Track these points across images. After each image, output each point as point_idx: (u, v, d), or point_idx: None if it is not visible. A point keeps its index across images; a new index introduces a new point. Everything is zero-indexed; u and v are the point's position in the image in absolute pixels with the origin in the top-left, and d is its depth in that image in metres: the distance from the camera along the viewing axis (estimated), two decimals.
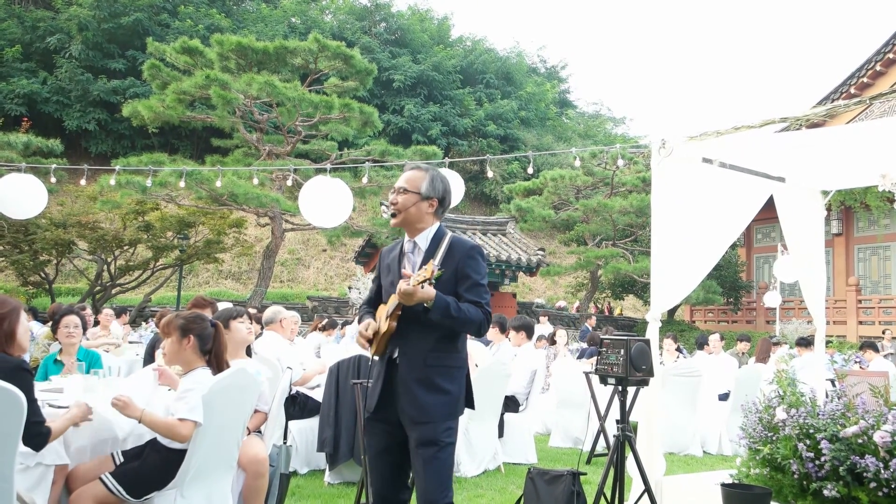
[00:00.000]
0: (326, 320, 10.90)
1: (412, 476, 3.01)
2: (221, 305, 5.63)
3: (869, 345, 10.20)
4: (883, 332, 16.06)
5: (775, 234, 22.38)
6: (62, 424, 3.26)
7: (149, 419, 3.36)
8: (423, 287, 2.79)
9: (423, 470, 2.87)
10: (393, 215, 3.10)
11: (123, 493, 3.27)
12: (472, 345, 6.44)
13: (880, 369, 8.81)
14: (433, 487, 2.85)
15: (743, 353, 11.03)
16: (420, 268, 2.95)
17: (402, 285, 2.81)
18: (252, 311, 8.62)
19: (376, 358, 3.06)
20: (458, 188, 8.17)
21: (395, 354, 2.99)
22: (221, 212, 17.98)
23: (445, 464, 2.90)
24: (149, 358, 6.59)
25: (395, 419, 2.97)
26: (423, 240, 3.08)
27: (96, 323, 9.92)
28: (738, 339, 11.50)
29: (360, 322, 3.14)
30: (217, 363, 3.57)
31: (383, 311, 3.02)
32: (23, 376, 3.03)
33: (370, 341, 3.02)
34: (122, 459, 3.46)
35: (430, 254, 3.01)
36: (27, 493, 3.17)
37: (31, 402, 2.97)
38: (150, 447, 3.46)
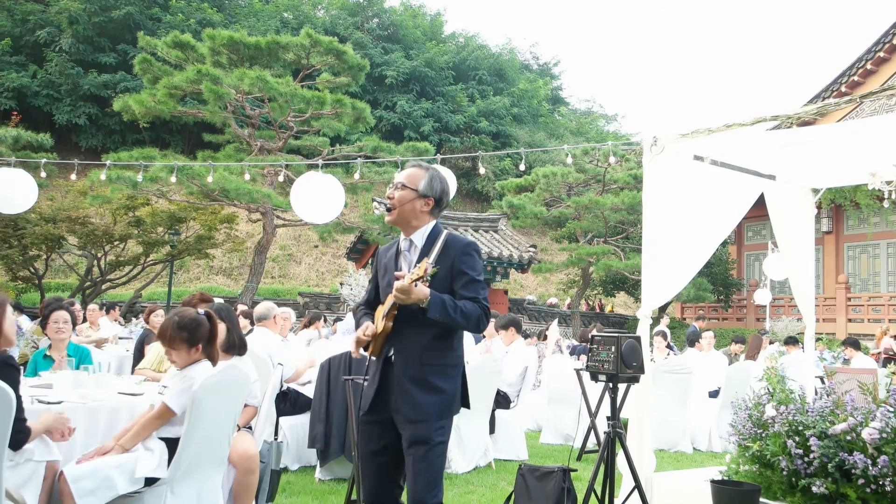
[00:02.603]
0: (311, 314, 10.82)
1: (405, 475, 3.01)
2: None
3: (851, 342, 10.26)
4: (885, 331, 16.07)
5: (766, 231, 22.46)
6: (38, 429, 3.22)
7: (130, 438, 3.33)
8: (416, 285, 2.78)
9: (413, 469, 2.86)
10: (388, 210, 3.08)
11: None
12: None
13: (863, 366, 8.87)
14: (422, 487, 2.84)
15: (736, 354, 11.00)
16: (416, 266, 2.93)
17: (396, 283, 2.81)
18: (243, 307, 8.60)
19: (374, 358, 3.05)
20: (450, 185, 8.15)
21: (391, 353, 2.99)
22: (212, 207, 17.90)
23: (436, 463, 2.89)
24: (138, 354, 6.57)
25: (389, 419, 2.97)
26: (419, 238, 3.07)
27: (85, 319, 9.87)
28: (733, 340, 11.45)
29: (357, 325, 3.11)
30: (209, 354, 3.56)
31: (381, 311, 3.01)
32: (8, 372, 3.00)
33: (367, 345, 3.00)
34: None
35: (425, 252, 3.00)
36: (16, 490, 3.15)
37: (16, 399, 2.92)
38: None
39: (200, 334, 3.51)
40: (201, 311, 3.60)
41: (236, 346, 4.26)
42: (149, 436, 3.38)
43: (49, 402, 3.61)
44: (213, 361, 3.59)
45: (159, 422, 3.38)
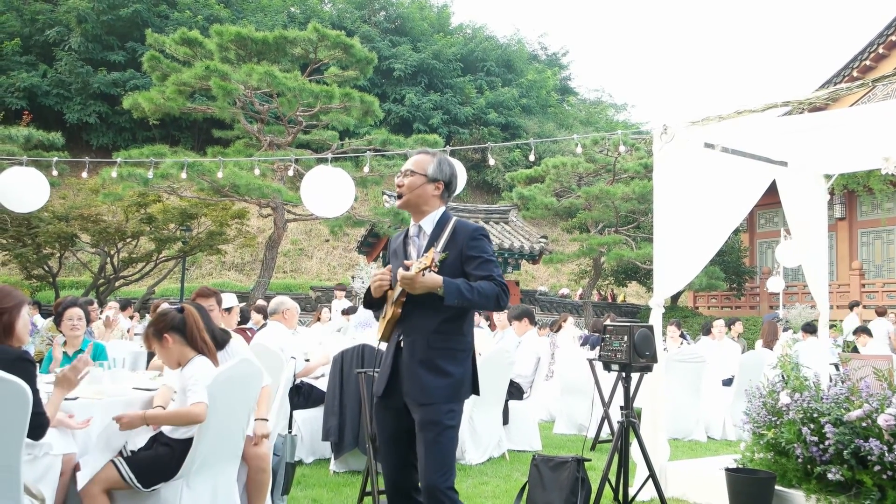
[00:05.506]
0: (319, 308, 10.92)
1: None
2: (225, 296, 5.63)
3: (863, 329, 10.20)
4: None
5: (778, 218, 22.30)
6: (54, 404, 3.25)
7: (154, 417, 3.42)
8: (424, 275, 2.78)
9: (425, 452, 2.87)
10: (399, 196, 3.10)
11: (134, 479, 3.28)
12: (476, 332, 6.42)
13: (876, 353, 8.81)
14: (434, 470, 2.84)
15: (738, 335, 10.96)
16: (424, 252, 2.94)
17: (402, 272, 2.82)
18: (262, 302, 8.61)
19: (384, 343, 3.10)
20: (460, 176, 8.12)
21: (401, 338, 3.01)
22: (223, 203, 17.97)
23: (447, 447, 2.89)
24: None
25: (402, 404, 2.98)
26: (429, 224, 3.07)
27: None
28: (727, 323, 11.29)
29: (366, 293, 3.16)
30: (192, 342, 3.56)
31: (390, 297, 3.02)
32: (25, 366, 3.01)
33: (383, 319, 3.06)
34: (129, 454, 3.46)
35: (434, 238, 3.00)
36: (34, 485, 3.18)
37: (34, 392, 2.94)
38: (157, 441, 3.47)
39: (163, 326, 3.53)
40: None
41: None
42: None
43: (65, 399, 3.63)
44: (210, 354, 3.61)
45: (194, 422, 3.38)
